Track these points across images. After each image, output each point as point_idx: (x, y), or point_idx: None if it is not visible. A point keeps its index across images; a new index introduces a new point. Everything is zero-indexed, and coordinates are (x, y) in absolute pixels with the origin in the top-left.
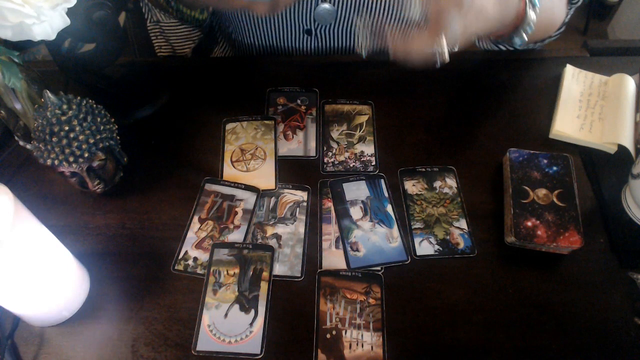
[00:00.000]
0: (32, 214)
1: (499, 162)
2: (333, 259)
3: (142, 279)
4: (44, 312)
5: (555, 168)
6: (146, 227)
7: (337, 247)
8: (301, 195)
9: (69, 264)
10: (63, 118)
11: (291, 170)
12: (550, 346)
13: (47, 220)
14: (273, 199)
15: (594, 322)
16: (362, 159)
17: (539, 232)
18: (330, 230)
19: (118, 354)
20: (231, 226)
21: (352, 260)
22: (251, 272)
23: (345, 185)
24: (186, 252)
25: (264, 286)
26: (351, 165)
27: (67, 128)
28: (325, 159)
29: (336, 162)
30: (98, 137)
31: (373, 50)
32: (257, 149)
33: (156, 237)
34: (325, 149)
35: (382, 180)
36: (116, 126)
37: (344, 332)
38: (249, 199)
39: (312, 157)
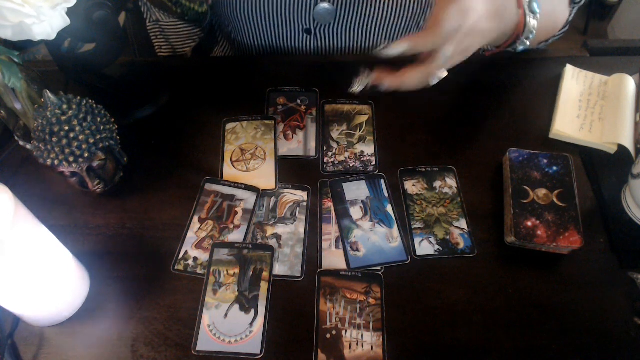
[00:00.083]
0: (32, 214)
1: (499, 162)
2: (333, 259)
3: (142, 279)
4: (44, 312)
5: (555, 168)
6: (146, 227)
7: (337, 247)
8: (301, 195)
9: (69, 264)
10: (63, 118)
11: (291, 170)
12: (550, 346)
13: (47, 220)
14: (273, 199)
15: (594, 322)
16: (362, 159)
17: (539, 232)
18: (330, 230)
19: (118, 354)
20: (231, 226)
21: (352, 260)
22: (251, 272)
23: (345, 185)
24: (186, 252)
25: (264, 286)
26: (351, 165)
27: (67, 128)
28: (325, 159)
29: (336, 162)
30: (98, 137)
31: (366, 87)
32: (257, 149)
33: (156, 237)
34: (325, 149)
35: (382, 180)
36: (116, 126)
37: (344, 332)
38: (249, 199)
39: (312, 157)
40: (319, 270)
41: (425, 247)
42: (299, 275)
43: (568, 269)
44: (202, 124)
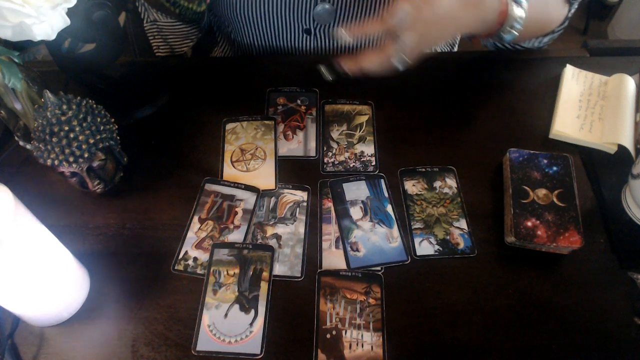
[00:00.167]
0: (32, 214)
1: (499, 162)
2: (333, 259)
3: (142, 279)
4: (44, 312)
5: (555, 168)
6: (146, 227)
7: (337, 247)
8: (301, 195)
9: (69, 264)
10: (63, 118)
11: (291, 170)
12: (550, 346)
13: (47, 220)
14: (273, 199)
15: (594, 322)
16: (362, 159)
17: (539, 232)
18: (330, 230)
19: (118, 354)
20: (231, 226)
21: (352, 260)
22: (251, 272)
23: (345, 185)
24: (186, 252)
25: (264, 286)
26: (351, 165)
27: (67, 128)
28: (325, 159)
29: (336, 162)
30: (98, 137)
31: (336, 73)
32: (257, 149)
33: (156, 237)
34: (325, 149)
35: (382, 180)
36: (116, 126)
37: (344, 332)
38: (249, 199)
39: (312, 157)
40: (319, 270)
41: (425, 247)
42: (299, 275)
43: (568, 269)
44: (202, 124)
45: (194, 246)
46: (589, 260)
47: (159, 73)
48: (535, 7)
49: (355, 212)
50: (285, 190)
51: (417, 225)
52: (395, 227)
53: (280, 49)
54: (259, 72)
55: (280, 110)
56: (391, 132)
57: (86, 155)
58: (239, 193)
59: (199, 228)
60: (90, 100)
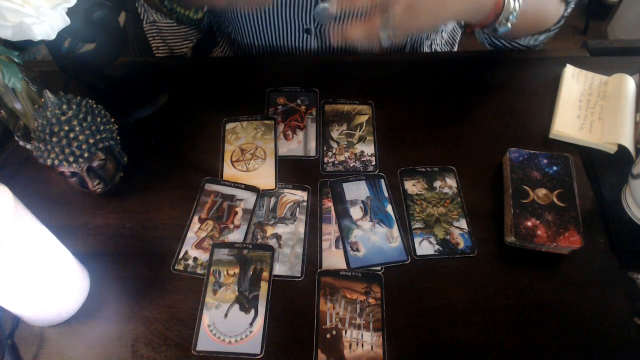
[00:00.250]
0: (32, 214)
1: (499, 162)
2: (333, 259)
3: (142, 279)
4: (44, 312)
5: (555, 168)
6: (146, 227)
7: (337, 247)
8: (301, 195)
9: (69, 264)
10: (63, 118)
11: (291, 170)
12: (550, 346)
13: (47, 220)
14: (273, 199)
15: (594, 322)
16: (362, 159)
17: (539, 232)
18: (330, 230)
19: (118, 354)
20: (231, 226)
21: (352, 260)
22: (251, 272)
23: (345, 185)
24: (186, 252)
25: (264, 286)
26: (351, 165)
27: (67, 128)
28: (325, 159)
29: (336, 162)
30: (98, 137)
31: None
32: (257, 148)
33: (156, 237)
34: (325, 149)
35: (382, 180)
36: (116, 126)
37: (344, 332)
38: (249, 198)
39: (312, 157)
40: (319, 270)
41: (425, 247)
42: (299, 275)
43: (568, 269)
44: (202, 124)
45: (194, 246)
46: (589, 260)
47: (159, 73)
48: (531, 2)
49: (355, 212)
50: (285, 190)
51: (417, 225)
52: (395, 227)
53: (281, 48)
54: (259, 72)
55: (280, 110)
56: (391, 132)
57: (86, 155)
58: (239, 193)
59: (199, 228)
60: (90, 100)
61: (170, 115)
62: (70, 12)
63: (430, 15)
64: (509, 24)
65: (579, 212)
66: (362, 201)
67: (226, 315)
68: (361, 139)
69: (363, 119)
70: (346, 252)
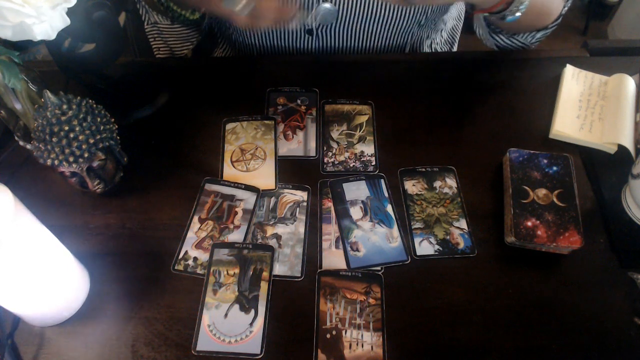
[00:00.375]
0: (32, 214)
1: (499, 162)
2: (333, 259)
3: (142, 279)
4: (44, 312)
5: (555, 168)
6: (146, 227)
7: (337, 247)
8: (301, 195)
9: (69, 264)
10: (63, 118)
11: (291, 170)
12: (550, 346)
13: (47, 220)
14: (273, 199)
15: (594, 322)
16: (362, 159)
17: (539, 232)
18: (330, 230)
19: (118, 354)
20: (231, 226)
21: (352, 260)
22: (251, 272)
23: (345, 185)
24: (186, 252)
25: (264, 286)
26: (351, 165)
27: (67, 128)
28: (325, 159)
29: (336, 162)
30: (98, 137)
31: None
32: (257, 149)
33: (156, 237)
34: (325, 149)
35: (382, 180)
36: (116, 126)
37: (344, 332)
38: (249, 199)
39: (312, 157)
40: (319, 270)
41: (425, 247)
42: (299, 275)
43: (568, 269)
44: (202, 124)
45: (194, 246)
46: (589, 260)
47: (159, 73)
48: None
49: (355, 212)
50: (285, 190)
51: (417, 225)
52: (395, 227)
53: (282, 49)
54: (259, 72)
55: (280, 110)
56: (391, 132)
57: (86, 155)
58: (239, 193)
59: (199, 228)
60: (90, 100)
61: (170, 115)
62: (70, 12)
63: None
64: (519, 13)
65: (579, 212)
66: (362, 201)
67: (226, 315)
68: (361, 139)
69: (363, 119)
70: (346, 252)
